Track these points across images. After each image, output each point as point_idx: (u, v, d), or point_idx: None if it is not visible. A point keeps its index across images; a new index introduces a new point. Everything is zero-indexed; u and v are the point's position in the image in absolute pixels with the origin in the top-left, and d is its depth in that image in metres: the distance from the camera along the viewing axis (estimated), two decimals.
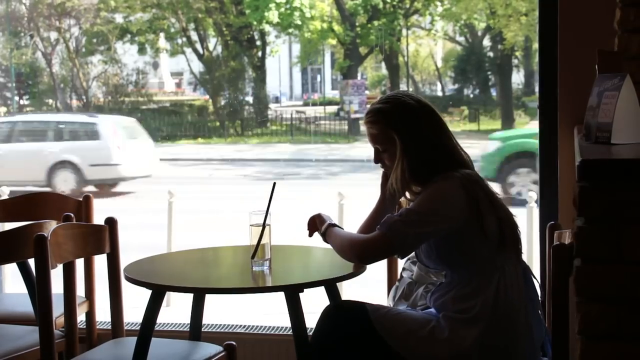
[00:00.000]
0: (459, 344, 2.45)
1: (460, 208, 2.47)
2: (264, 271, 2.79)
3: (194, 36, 15.51)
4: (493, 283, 2.48)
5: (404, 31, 15.06)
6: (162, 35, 15.64)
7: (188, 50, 15.83)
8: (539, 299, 2.63)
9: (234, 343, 2.96)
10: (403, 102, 2.62)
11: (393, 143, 2.61)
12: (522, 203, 6.67)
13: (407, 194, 2.67)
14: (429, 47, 16.48)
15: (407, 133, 2.59)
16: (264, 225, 2.76)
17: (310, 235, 2.85)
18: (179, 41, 15.73)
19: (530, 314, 2.53)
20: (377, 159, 2.69)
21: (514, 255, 2.53)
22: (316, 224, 2.81)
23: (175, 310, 5.35)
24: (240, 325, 3.96)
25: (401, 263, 2.98)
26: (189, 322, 3.13)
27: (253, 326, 3.95)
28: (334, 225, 2.74)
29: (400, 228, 2.48)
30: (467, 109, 15.23)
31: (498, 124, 14.09)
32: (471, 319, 2.46)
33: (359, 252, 2.58)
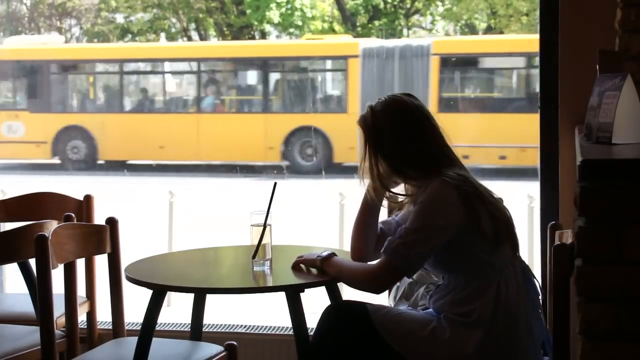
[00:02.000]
0: (460, 346, 2.45)
1: (457, 214, 2.47)
2: (264, 271, 2.79)
3: (195, 36, 15.53)
4: (492, 285, 2.47)
5: (405, 31, 15.07)
6: (162, 35, 15.66)
7: None
8: (539, 298, 2.63)
9: (234, 343, 2.96)
10: (375, 111, 2.64)
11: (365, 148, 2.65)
12: None
13: (392, 190, 2.68)
14: None
15: (375, 138, 2.62)
16: (264, 225, 2.76)
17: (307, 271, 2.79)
18: (180, 41, 15.75)
19: (530, 314, 2.53)
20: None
21: (511, 253, 2.53)
22: (305, 266, 2.76)
23: (176, 310, 5.35)
24: (241, 325, 3.96)
25: None
26: (189, 322, 3.13)
27: (254, 326, 3.95)
28: (328, 257, 2.70)
29: (403, 252, 2.48)
30: None
31: None
32: (472, 323, 2.45)
33: (371, 285, 2.59)
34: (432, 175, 2.53)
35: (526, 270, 2.58)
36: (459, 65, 12.23)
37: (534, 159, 12.96)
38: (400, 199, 2.71)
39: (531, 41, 12.49)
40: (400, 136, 2.60)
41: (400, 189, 2.70)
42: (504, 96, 12.19)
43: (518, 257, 2.57)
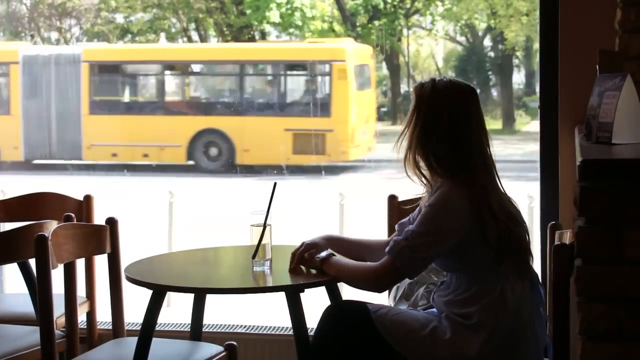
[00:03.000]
0: (461, 347, 2.44)
1: (464, 220, 2.46)
2: (264, 271, 2.79)
3: (195, 36, 15.50)
4: (495, 290, 2.46)
5: (404, 31, 15.07)
6: (162, 35, 15.64)
7: None
8: (544, 302, 2.61)
9: (234, 343, 2.96)
10: (436, 87, 2.57)
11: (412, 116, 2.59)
12: None
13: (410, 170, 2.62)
14: (429, 47, 16.47)
15: (425, 120, 2.55)
16: (264, 226, 2.76)
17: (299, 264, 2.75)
18: (180, 41, 15.72)
19: (535, 318, 2.52)
20: None
21: (518, 266, 2.51)
22: (305, 267, 2.74)
23: (176, 310, 5.35)
24: (241, 326, 3.95)
25: None
26: (189, 322, 3.12)
27: (254, 326, 3.95)
28: (327, 257, 2.67)
29: (407, 255, 2.48)
30: None
31: (499, 124, 14.07)
32: (474, 326, 2.45)
33: (374, 284, 2.59)
34: (454, 177, 2.50)
35: (533, 276, 2.57)
36: (105, 71, 13.24)
37: (172, 157, 12.55)
38: (422, 182, 2.62)
39: (178, 50, 14.01)
40: (449, 123, 2.53)
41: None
42: (146, 100, 13.29)
43: (526, 267, 2.54)
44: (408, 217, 2.78)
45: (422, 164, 2.58)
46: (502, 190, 2.58)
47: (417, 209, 2.72)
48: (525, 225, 2.57)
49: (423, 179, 2.60)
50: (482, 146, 2.56)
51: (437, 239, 2.48)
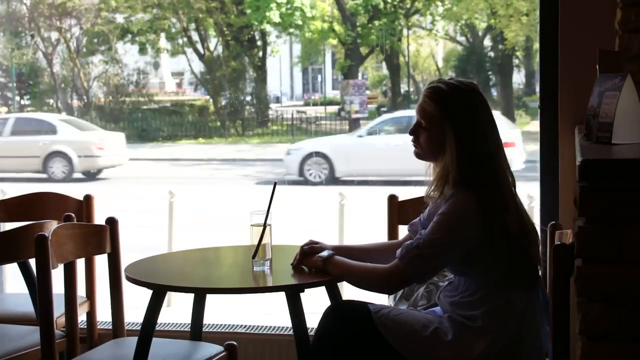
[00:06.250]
0: (462, 348, 2.44)
1: (475, 231, 2.45)
2: (264, 271, 2.79)
3: (195, 36, 15.51)
4: (502, 296, 2.46)
5: (404, 31, 15.07)
6: (162, 35, 15.65)
7: (189, 50, 15.82)
8: (549, 309, 2.61)
9: (234, 343, 2.96)
10: (468, 96, 2.54)
11: (441, 130, 2.53)
12: None
13: (434, 194, 2.58)
14: (429, 47, 16.47)
15: (461, 129, 2.51)
16: (264, 225, 2.76)
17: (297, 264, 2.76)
18: (180, 41, 15.73)
19: (539, 324, 2.52)
20: (414, 131, 2.60)
21: (526, 274, 2.50)
22: (307, 267, 2.74)
23: (176, 310, 5.35)
24: (241, 325, 3.96)
25: None
26: (189, 322, 3.13)
27: (254, 326, 3.95)
28: (330, 257, 2.66)
29: (419, 263, 2.47)
30: None
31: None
32: (478, 329, 2.45)
33: (382, 286, 2.58)
34: (477, 182, 2.47)
35: (540, 284, 2.56)
36: None
37: None
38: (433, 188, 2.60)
39: None
40: (476, 121, 2.50)
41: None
42: None
43: (534, 280, 2.53)
44: (419, 217, 2.77)
45: (451, 174, 2.51)
46: (517, 199, 2.57)
47: (427, 209, 2.71)
48: (538, 239, 2.56)
49: (444, 190, 2.56)
50: (497, 147, 2.54)
51: (448, 248, 2.47)
